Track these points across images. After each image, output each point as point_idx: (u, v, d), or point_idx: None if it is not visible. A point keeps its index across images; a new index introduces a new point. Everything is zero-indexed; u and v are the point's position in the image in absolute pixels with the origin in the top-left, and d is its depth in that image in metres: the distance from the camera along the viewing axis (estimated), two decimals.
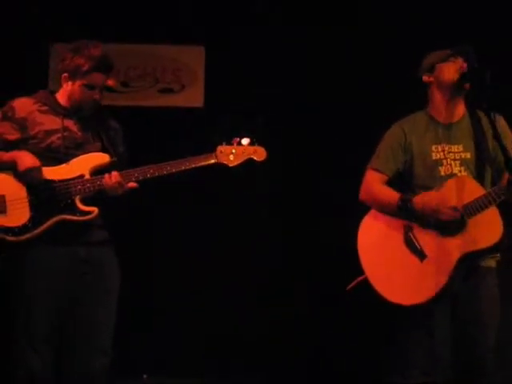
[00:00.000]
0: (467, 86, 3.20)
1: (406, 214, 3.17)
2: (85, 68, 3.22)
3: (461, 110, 3.31)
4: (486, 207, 3.07)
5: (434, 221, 3.12)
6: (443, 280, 3.07)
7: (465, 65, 3.18)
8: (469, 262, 3.10)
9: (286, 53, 4.87)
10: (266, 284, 4.76)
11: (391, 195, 3.23)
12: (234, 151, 3.26)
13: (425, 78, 3.32)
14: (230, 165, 3.26)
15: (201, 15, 4.93)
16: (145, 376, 4.59)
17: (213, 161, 3.25)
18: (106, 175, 3.18)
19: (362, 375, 4.50)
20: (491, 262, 3.21)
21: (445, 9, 4.63)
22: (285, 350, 4.71)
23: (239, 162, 3.26)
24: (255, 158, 3.27)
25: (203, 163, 3.24)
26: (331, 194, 4.66)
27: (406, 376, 3.18)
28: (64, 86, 3.30)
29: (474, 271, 3.13)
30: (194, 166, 3.23)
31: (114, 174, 3.18)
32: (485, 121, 3.20)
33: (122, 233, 3.36)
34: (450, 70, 3.22)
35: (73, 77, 3.26)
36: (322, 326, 4.69)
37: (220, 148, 3.26)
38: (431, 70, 3.29)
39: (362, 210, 3.37)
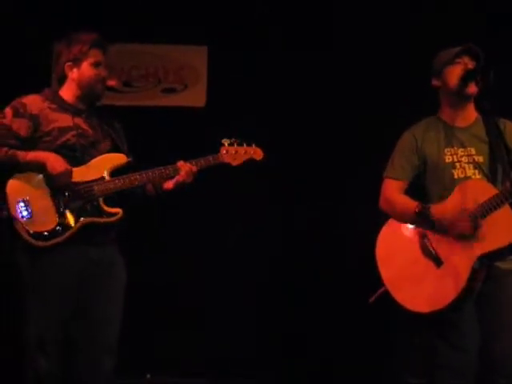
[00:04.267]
0: (470, 90, 3.20)
1: (424, 221, 3.16)
2: (85, 49, 3.29)
3: (472, 114, 3.31)
4: (499, 206, 3.06)
5: (450, 232, 3.12)
6: (462, 283, 3.05)
7: (469, 63, 3.18)
8: (487, 264, 3.09)
9: (289, 53, 4.87)
10: (266, 284, 4.76)
11: (409, 204, 3.22)
12: (237, 151, 3.45)
13: (434, 82, 3.32)
14: (234, 164, 3.44)
15: (203, 15, 4.93)
16: (148, 375, 4.59)
17: (218, 161, 3.42)
18: (180, 164, 3.30)
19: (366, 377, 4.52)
20: (510, 264, 3.17)
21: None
22: (286, 350, 4.71)
23: (242, 161, 3.45)
24: (255, 158, 3.48)
25: (210, 163, 3.40)
26: (336, 194, 4.70)
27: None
28: (69, 75, 3.32)
29: (493, 273, 3.12)
30: (203, 166, 3.38)
31: (184, 163, 3.32)
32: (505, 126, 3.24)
33: (126, 231, 3.36)
34: (454, 74, 3.21)
35: (77, 62, 3.30)
36: (324, 327, 4.69)
37: (224, 148, 3.43)
38: (439, 74, 3.28)
39: (368, 211, 3.39)
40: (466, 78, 3.18)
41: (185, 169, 3.31)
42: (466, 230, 3.08)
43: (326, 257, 4.65)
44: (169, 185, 3.37)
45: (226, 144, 3.44)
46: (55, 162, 3.14)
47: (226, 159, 3.42)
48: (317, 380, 4.63)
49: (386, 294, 3.22)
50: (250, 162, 3.47)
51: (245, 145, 3.47)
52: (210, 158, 3.40)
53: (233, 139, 3.45)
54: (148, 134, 4.68)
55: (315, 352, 4.66)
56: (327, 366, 4.61)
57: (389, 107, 4.39)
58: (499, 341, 3.10)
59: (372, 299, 3.30)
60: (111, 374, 3.25)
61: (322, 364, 4.61)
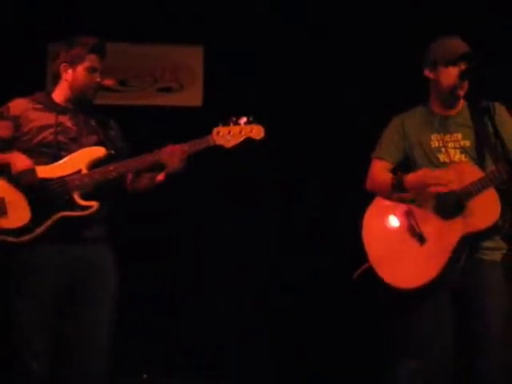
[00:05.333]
0: (461, 92, 3.26)
1: (399, 191, 3.23)
2: (83, 53, 3.27)
3: (460, 103, 3.36)
4: (484, 188, 3.12)
5: (427, 195, 3.18)
6: (443, 261, 3.12)
7: (458, 75, 3.22)
8: (470, 247, 3.14)
9: (285, 52, 4.87)
10: (266, 284, 4.77)
11: (387, 176, 3.29)
12: (231, 132, 3.18)
13: (426, 72, 3.34)
14: (228, 146, 3.18)
15: (200, 15, 4.94)
16: (145, 375, 4.58)
17: (210, 143, 3.18)
18: (164, 150, 3.16)
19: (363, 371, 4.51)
20: (496, 256, 3.22)
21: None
22: (284, 349, 4.71)
23: (237, 142, 3.17)
24: (253, 137, 3.19)
25: (198, 147, 3.18)
26: (332, 183, 4.71)
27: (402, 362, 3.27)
28: (64, 75, 3.32)
29: (476, 265, 3.16)
30: (192, 150, 3.18)
31: (172, 147, 3.16)
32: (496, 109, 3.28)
33: (119, 228, 3.35)
34: (450, 77, 3.25)
35: (73, 64, 3.30)
36: (324, 327, 4.68)
37: (216, 129, 3.19)
38: (434, 68, 3.30)
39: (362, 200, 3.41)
40: (460, 78, 3.22)
41: (167, 151, 3.14)
42: (439, 186, 3.12)
43: (326, 257, 4.65)
44: (161, 176, 3.26)
45: (220, 125, 3.17)
46: (18, 162, 3.12)
47: (218, 141, 3.16)
48: (317, 380, 4.63)
49: (370, 271, 3.26)
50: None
51: (242, 123, 3.17)
52: (199, 140, 3.18)
53: (231, 117, 3.17)
54: (144, 134, 4.66)
55: (315, 352, 4.65)
56: (327, 366, 4.61)
57: (390, 108, 4.39)
58: (484, 333, 3.12)
59: (356, 275, 3.32)
60: (102, 376, 3.21)
61: (322, 364, 4.61)
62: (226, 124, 3.18)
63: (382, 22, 4.76)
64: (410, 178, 3.21)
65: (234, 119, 3.19)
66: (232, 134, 3.17)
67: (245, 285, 4.75)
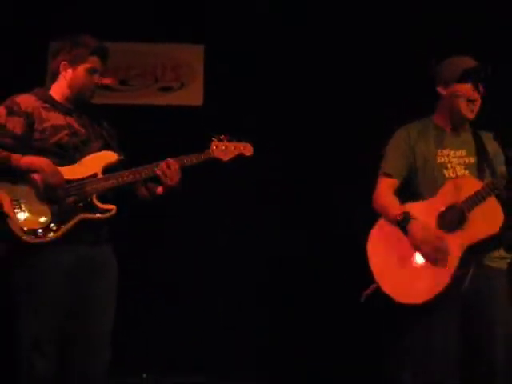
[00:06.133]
0: (471, 116, 3.28)
1: (402, 230, 3.23)
2: (85, 54, 3.30)
3: (465, 124, 3.38)
4: (484, 199, 3.13)
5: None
6: (450, 274, 3.11)
7: (472, 92, 3.24)
8: (476, 257, 3.14)
9: (286, 52, 4.88)
10: (266, 284, 4.77)
11: (393, 203, 3.27)
12: (226, 147, 3.44)
13: (440, 89, 3.35)
14: (225, 159, 3.43)
15: (200, 14, 4.94)
16: (144, 375, 4.59)
17: (209, 156, 3.40)
18: (163, 163, 3.29)
19: (365, 375, 4.51)
20: (501, 264, 3.23)
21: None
22: (285, 350, 4.72)
23: (231, 157, 3.43)
24: (245, 154, 3.46)
25: (201, 159, 3.38)
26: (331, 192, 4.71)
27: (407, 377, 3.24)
28: (63, 74, 3.32)
29: (482, 273, 3.16)
30: (194, 162, 3.36)
31: (172, 161, 3.30)
32: (485, 137, 3.32)
33: (120, 230, 3.36)
34: (467, 92, 3.25)
35: (73, 63, 3.31)
36: (324, 327, 4.69)
37: (214, 144, 3.43)
38: (447, 85, 3.32)
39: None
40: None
41: (163, 168, 3.29)
42: (429, 254, 3.15)
43: (325, 257, 4.65)
44: (159, 190, 3.40)
45: (216, 140, 3.43)
46: (51, 175, 3.13)
47: (217, 155, 3.40)
48: (317, 380, 4.64)
49: (377, 289, 3.24)
50: (245, 163, 3.42)
51: (234, 141, 3.45)
52: (201, 154, 3.40)
53: (222, 136, 3.43)
54: (145, 133, 4.68)
55: (315, 352, 4.65)
56: (327, 366, 4.61)
57: (390, 108, 4.40)
58: (488, 341, 3.12)
59: (365, 295, 3.28)
60: (106, 372, 3.23)
61: (322, 364, 4.61)
62: (220, 140, 3.44)
63: (383, 22, 4.75)
64: (415, 227, 3.17)
65: (227, 137, 3.45)
66: (228, 149, 3.44)
67: (245, 284, 4.75)
